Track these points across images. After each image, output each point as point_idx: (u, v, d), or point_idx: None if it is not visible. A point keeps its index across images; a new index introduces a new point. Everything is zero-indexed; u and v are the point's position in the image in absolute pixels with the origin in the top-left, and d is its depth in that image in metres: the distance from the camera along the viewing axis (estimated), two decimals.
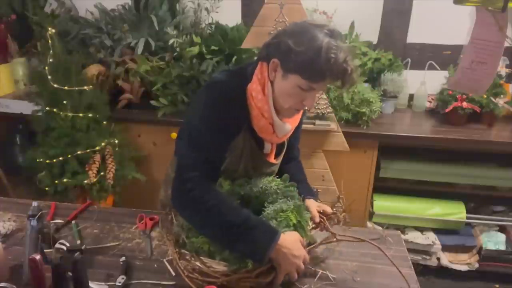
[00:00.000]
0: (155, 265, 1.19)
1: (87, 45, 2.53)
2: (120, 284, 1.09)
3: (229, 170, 1.22)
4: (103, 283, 1.10)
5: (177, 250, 1.10)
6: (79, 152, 2.08)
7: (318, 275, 1.16)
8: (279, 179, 1.24)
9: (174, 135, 2.29)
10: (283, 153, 1.33)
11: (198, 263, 1.05)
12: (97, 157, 2.12)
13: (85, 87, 2.14)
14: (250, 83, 1.13)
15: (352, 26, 2.48)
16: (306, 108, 1.14)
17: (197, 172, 1.08)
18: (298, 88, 1.06)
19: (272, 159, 1.28)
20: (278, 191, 1.20)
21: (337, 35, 1.05)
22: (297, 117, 1.24)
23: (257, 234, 1.03)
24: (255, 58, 1.20)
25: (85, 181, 2.05)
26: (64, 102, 2.09)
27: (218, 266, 1.04)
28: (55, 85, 2.06)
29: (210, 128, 1.10)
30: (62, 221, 1.38)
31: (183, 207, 1.10)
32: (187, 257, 1.07)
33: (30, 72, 2.57)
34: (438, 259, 2.35)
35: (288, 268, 1.06)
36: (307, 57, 1.02)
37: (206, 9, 2.43)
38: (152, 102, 2.31)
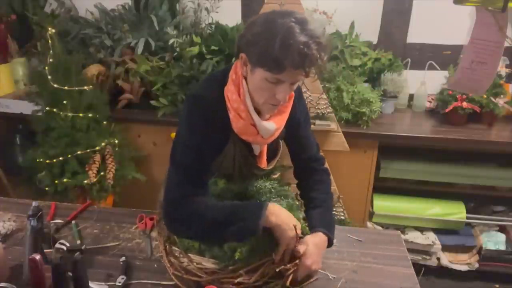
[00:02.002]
0: (155, 265, 1.20)
1: (87, 45, 2.53)
2: (120, 284, 1.09)
3: (226, 174, 1.21)
4: (103, 283, 1.10)
5: (166, 247, 1.10)
6: (79, 152, 2.08)
7: (318, 275, 1.16)
8: (274, 180, 1.24)
9: (174, 135, 2.29)
10: (277, 157, 1.30)
11: (185, 260, 1.05)
12: (97, 157, 2.12)
13: (85, 87, 2.14)
14: (226, 85, 1.09)
15: (352, 26, 2.47)
16: (281, 101, 1.05)
17: (182, 190, 1.07)
18: (266, 81, 1.00)
19: (263, 163, 1.23)
20: (273, 190, 1.20)
21: (306, 23, 0.96)
22: (284, 116, 1.16)
23: (246, 211, 1.02)
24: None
25: (85, 181, 2.05)
26: (64, 102, 2.09)
27: (207, 264, 1.05)
28: (55, 85, 2.06)
29: (192, 145, 1.08)
30: (62, 221, 1.38)
31: (173, 225, 1.09)
32: (176, 254, 1.08)
33: (30, 72, 2.57)
34: (438, 259, 2.35)
35: (289, 234, 1.01)
36: (264, 47, 0.95)
37: (206, 9, 2.43)
38: (152, 102, 2.31)
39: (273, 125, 1.13)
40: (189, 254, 1.07)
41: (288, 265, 1.03)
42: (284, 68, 0.96)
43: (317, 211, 1.20)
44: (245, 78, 1.07)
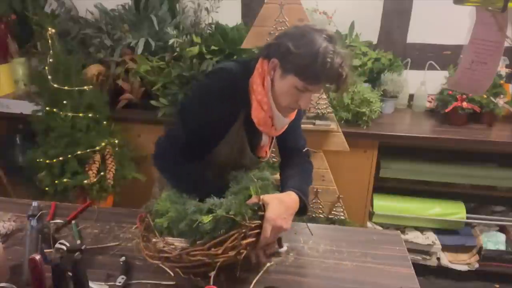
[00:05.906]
0: (155, 265, 1.19)
1: (87, 45, 2.53)
2: (120, 284, 1.09)
3: (220, 167, 1.24)
4: (103, 283, 1.10)
5: (145, 234, 1.15)
6: (79, 152, 2.08)
7: (285, 248, 1.18)
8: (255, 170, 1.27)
9: None
10: (270, 147, 1.38)
11: (160, 241, 1.09)
12: (97, 157, 2.12)
13: (85, 87, 2.14)
14: (252, 76, 1.18)
15: (352, 26, 2.48)
16: (302, 108, 1.20)
17: (178, 145, 1.20)
18: (295, 88, 1.12)
19: (267, 152, 1.33)
20: (252, 176, 1.20)
21: (335, 40, 1.09)
22: (294, 112, 1.28)
23: None
24: (256, 54, 1.24)
25: (85, 181, 2.05)
26: (64, 102, 2.09)
27: (179, 244, 1.08)
28: (55, 85, 2.06)
29: (197, 117, 1.18)
30: (62, 221, 1.38)
31: (163, 169, 1.27)
32: (153, 240, 1.11)
33: (30, 72, 2.57)
34: (438, 259, 2.35)
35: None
36: (305, 60, 1.07)
37: (206, 9, 2.43)
38: (152, 102, 2.31)
39: (287, 119, 1.24)
40: (164, 237, 1.12)
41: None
42: (319, 81, 1.11)
43: (292, 180, 1.25)
44: (270, 80, 1.16)
